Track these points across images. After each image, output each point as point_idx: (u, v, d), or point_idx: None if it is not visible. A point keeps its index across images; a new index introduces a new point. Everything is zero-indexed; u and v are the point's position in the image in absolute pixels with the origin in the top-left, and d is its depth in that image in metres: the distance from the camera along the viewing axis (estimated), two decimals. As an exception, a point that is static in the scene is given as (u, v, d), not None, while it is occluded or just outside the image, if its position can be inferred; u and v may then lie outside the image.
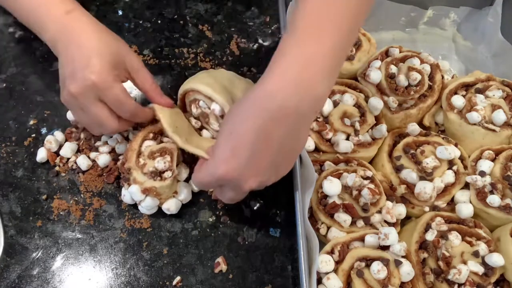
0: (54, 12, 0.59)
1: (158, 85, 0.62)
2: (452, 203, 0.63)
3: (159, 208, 0.62)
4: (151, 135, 0.63)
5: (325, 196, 0.60)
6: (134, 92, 0.71)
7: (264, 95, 0.47)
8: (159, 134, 0.63)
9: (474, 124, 0.66)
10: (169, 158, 0.60)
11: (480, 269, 0.56)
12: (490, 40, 0.81)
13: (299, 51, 0.47)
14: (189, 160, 0.64)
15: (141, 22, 0.80)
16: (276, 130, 0.47)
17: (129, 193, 0.59)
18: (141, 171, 0.59)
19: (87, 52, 0.56)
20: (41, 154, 0.65)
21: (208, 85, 0.62)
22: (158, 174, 0.59)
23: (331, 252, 0.56)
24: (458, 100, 0.67)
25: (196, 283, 0.59)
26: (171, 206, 0.61)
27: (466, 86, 0.70)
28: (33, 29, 0.61)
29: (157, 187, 0.58)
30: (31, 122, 0.69)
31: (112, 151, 0.65)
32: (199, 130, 0.67)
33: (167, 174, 0.59)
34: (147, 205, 0.60)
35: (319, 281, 0.54)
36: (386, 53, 0.73)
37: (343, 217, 0.59)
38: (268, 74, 0.48)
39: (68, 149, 0.65)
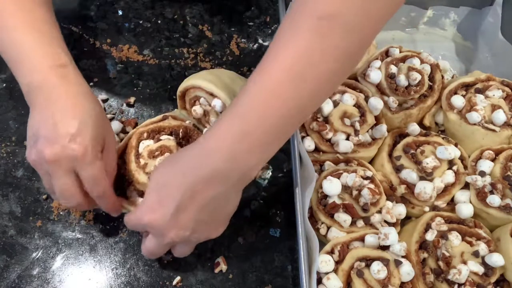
0: (42, 60, 0.54)
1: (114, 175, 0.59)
2: (452, 203, 0.63)
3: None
4: (145, 134, 0.62)
5: (325, 196, 0.60)
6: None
7: (201, 154, 0.49)
8: (155, 132, 0.63)
9: (474, 124, 0.66)
10: (169, 155, 0.60)
11: (480, 269, 0.56)
12: (490, 40, 0.81)
13: (237, 121, 0.47)
14: None
15: (141, 22, 0.80)
16: (204, 191, 0.48)
17: None
18: (143, 172, 0.59)
19: (73, 119, 0.52)
20: (41, 154, 0.65)
21: (210, 82, 0.63)
22: None
23: (331, 252, 0.56)
24: (458, 100, 0.67)
25: (196, 283, 0.59)
26: None
27: (466, 86, 0.70)
28: (9, 64, 0.55)
29: None
30: (31, 122, 0.69)
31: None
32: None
33: None
34: None
35: (319, 281, 0.54)
36: (386, 53, 0.73)
37: (343, 217, 0.59)
38: (209, 132, 0.49)
39: (68, 149, 0.65)
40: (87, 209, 0.59)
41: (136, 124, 0.67)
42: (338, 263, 0.56)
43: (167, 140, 0.61)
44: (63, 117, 0.52)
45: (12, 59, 0.55)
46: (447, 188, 0.63)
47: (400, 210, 0.60)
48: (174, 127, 0.63)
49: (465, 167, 0.65)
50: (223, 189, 0.49)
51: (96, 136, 0.54)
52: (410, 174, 0.62)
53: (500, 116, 0.65)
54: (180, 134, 0.63)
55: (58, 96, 0.53)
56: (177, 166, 0.50)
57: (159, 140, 0.62)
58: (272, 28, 0.83)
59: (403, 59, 0.71)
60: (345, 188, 0.60)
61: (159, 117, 0.65)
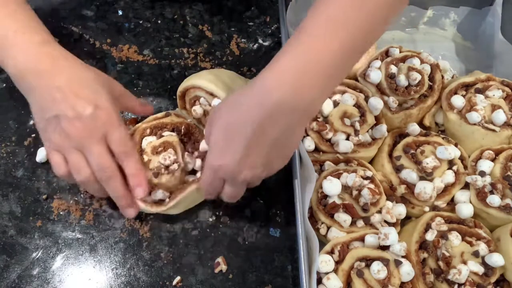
0: (25, 39, 0.53)
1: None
2: (452, 203, 0.63)
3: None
4: (148, 130, 0.62)
5: (325, 196, 0.60)
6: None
7: (262, 91, 0.48)
8: (158, 129, 0.63)
9: (474, 124, 0.66)
10: (173, 151, 0.60)
11: (480, 269, 0.56)
12: (490, 40, 0.81)
13: (301, 52, 0.47)
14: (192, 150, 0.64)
15: (141, 22, 0.80)
16: (271, 127, 0.48)
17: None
18: (147, 168, 0.59)
19: (86, 88, 0.53)
20: (41, 154, 0.65)
21: (210, 81, 0.63)
22: (165, 168, 0.59)
23: (331, 252, 0.56)
24: (458, 100, 0.67)
25: (196, 283, 0.59)
26: None
27: (466, 86, 0.70)
28: None
29: (165, 182, 0.58)
30: (31, 122, 0.69)
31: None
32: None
33: (174, 167, 0.59)
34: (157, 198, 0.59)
35: (319, 281, 0.54)
36: (386, 53, 0.73)
37: (343, 217, 0.59)
38: (267, 70, 0.49)
39: (68, 149, 0.65)
40: (106, 195, 0.58)
41: (137, 122, 0.67)
42: (338, 263, 0.56)
43: (170, 136, 0.61)
44: (75, 89, 0.52)
45: None
46: (447, 188, 0.63)
47: (400, 210, 0.61)
48: (176, 124, 0.64)
49: (465, 167, 0.65)
50: (289, 122, 0.48)
51: (112, 99, 0.55)
52: (410, 174, 0.62)
53: (500, 116, 0.65)
54: (182, 130, 0.63)
55: (59, 71, 0.53)
56: (240, 106, 0.49)
57: (161, 136, 0.62)
58: (272, 28, 0.83)
59: (403, 59, 0.71)
60: (345, 188, 0.60)
61: (162, 113, 0.65)
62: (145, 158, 0.59)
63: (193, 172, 0.62)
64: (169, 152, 0.59)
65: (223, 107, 0.52)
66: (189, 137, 0.64)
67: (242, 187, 0.55)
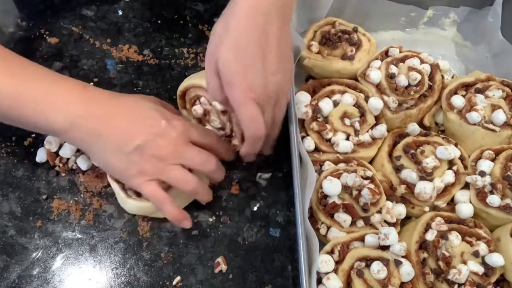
0: (64, 90, 0.53)
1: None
2: (452, 203, 0.63)
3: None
4: None
5: (325, 196, 0.60)
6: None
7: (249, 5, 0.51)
8: None
9: (474, 124, 0.66)
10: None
11: (480, 269, 0.56)
12: (490, 40, 0.81)
13: None
14: None
15: (141, 22, 0.80)
16: (270, 25, 0.51)
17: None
18: None
19: (144, 108, 0.55)
20: (41, 154, 0.65)
21: None
22: None
23: (331, 252, 0.56)
24: (458, 100, 0.67)
25: (196, 283, 0.59)
26: None
27: (466, 86, 0.70)
28: (25, 121, 0.53)
29: None
30: (31, 122, 0.69)
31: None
32: None
33: None
34: None
35: (319, 281, 0.54)
36: (386, 53, 0.73)
37: (343, 217, 0.59)
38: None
39: (68, 149, 0.65)
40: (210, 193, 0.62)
41: None
42: (338, 263, 0.56)
43: None
44: (138, 116, 0.54)
45: (29, 113, 0.52)
46: (447, 188, 0.63)
47: (400, 210, 0.61)
48: None
49: (465, 167, 0.65)
50: (281, 20, 0.52)
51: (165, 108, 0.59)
52: (410, 174, 0.62)
53: (500, 116, 0.65)
54: None
55: (114, 108, 0.54)
56: (238, 14, 0.51)
57: None
58: (272, 28, 0.83)
59: (403, 59, 0.71)
60: (345, 188, 0.60)
61: None
62: None
63: None
64: None
65: (221, 23, 0.52)
66: None
67: (272, 109, 0.54)
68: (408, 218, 0.63)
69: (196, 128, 0.59)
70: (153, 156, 0.53)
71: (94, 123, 0.53)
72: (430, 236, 0.58)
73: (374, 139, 0.67)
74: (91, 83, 0.73)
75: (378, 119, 0.68)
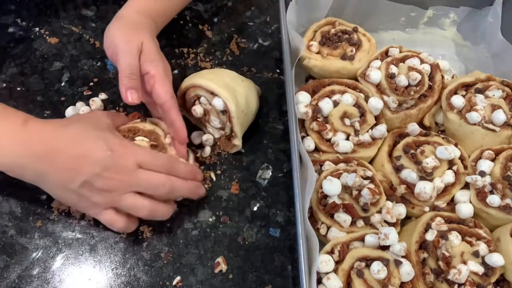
0: (10, 129, 0.52)
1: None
2: (452, 203, 0.63)
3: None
4: (120, 134, 0.61)
5: (325, 196, 0.60)
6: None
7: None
8: (131, 132, 0.62)
9: (474, 124, 0.66)
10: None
11: (480, 269, 0.56)
12: (490, 40, 0.81)
13: None
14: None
15: (141, 22, 0.80)
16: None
17: None
18: None
19: (86, 139, 0.53)
20: (41, 154, 0.65)
21: (211, 80, 0.63)
22: None
23: (331, 252, 0.56)
24: (458, 100, 0.67)
25: (196, 283, 0.59)
26: None
27: (466, 86, 0.70)
28: None
29: None
30: (31, 122, 0.68)
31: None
32: None
33: None
34: None
35: (319, 281, 0.54)
36: (386, 53, 0.73)
37: (343, 217, 0.59)
38: None
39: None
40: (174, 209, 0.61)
41: (139, 117, 0.66)
42: (338, 263, 0.56)
43: (141, 141, 0.61)
44: (82, 149, 0.53)
45: None
46: (447, 188, 0.63)
47: (400, 210, 0.61)
48: (145, 132, 0.62)
49: (465, 167, 0.65)
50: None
51: (115, 131, 0.58)
52: (410, 174, 0.62)
53: (500, 116, 0.65)
54: (150, 140, 0.62)
55: (55, 143, 0.53)
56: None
57: (133, 140, 0.61)
58: (272, 28, 0.83)
59: (403, 59, 0.71)
60: (345, 188, 0.60)
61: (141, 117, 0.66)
62: None
63: None
64: None
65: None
66: (156, 146, 0.62)
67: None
68: (408, 218, 0.63)
69: (146, 152, 0.57)
70: (102, 190, 0.53)
71: (37, 164, 0.52)
72: (430, 236, 0.58)
73: (374, 139, 0.67)
74: (91, 83, 0.73)
75: (378, 119, 0.68)
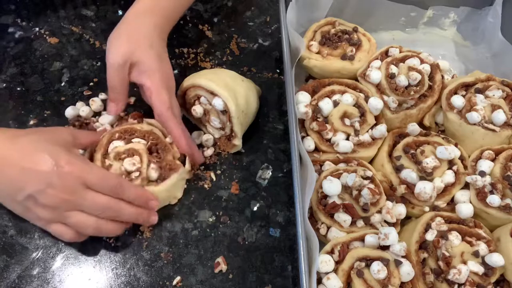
0: None
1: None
2: (452, 203, 0.63)
3: (160, 208, 0.62)
4: (116, 135, 0.62)
5: (325, 196, 0.60)
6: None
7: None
8: (128, 133, 0.62)
9: (474, 124, 0.66)
10: (138, 158, 0.59)
11: (480, 269, 0.56)
12: (490, 40, 0.81)
13: None
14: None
15: (141, 22, 0.80)
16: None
17: None
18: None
19: (37, 152, 0.52)
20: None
21: (211, 80, 0.63)
22: (126, 174, 0.58)
23: (331, 252, 0.56)
24: (458, 100, 0.67)
25: (196, 283, 0.59)
26: None
27: (466, 86, 0.70)
28: None
29: None
30: (31, 122, 0.69)
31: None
32: None
33: (135, 174, 0.58)
34: None
35: (319, 281, 0.54)
36: (386, 53, 0.73)
37: (343, 217, 0.59)
38: None
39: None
40: (124, 229, 0.60)
41: (142, 117, 0.66)
42: (338, 263, 0.56)
43: (137, 144, 0.61)
44: (29, 163, 0.51)
45: None
46: (447, 188, 0.63)
47: (400, 210, 0.60)
48: (144, 132, 0.62)
49: (465, 167, 0.65)
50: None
51: (68, 149, 0.55)
52: (410, 174, 0.62)
53: (500, 116, 0.65)
54: (149, 140, 0.62)
55: (6, 153, 0.52)
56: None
57: (130, 141, 0.61)
58: (272, 28, 0.83)
59: (403, 59, 0.71)
60: (345, 188, 0.60)
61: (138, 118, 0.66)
62: (107, 162, 0.59)
63: (156, 181, 0.61)
64: (134, 158, 0.59)
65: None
66: (156, 148, 0.62)
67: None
68: (408, 218, 0.63)
69: (96, 172, 0.54)
70: (46, 205, 0.52)
71: None
72: (430, 236, 0.58)
73: (374, 139, 0.67)
74: (91, 83, 0.73)
75: (378, 119, 0.68)
